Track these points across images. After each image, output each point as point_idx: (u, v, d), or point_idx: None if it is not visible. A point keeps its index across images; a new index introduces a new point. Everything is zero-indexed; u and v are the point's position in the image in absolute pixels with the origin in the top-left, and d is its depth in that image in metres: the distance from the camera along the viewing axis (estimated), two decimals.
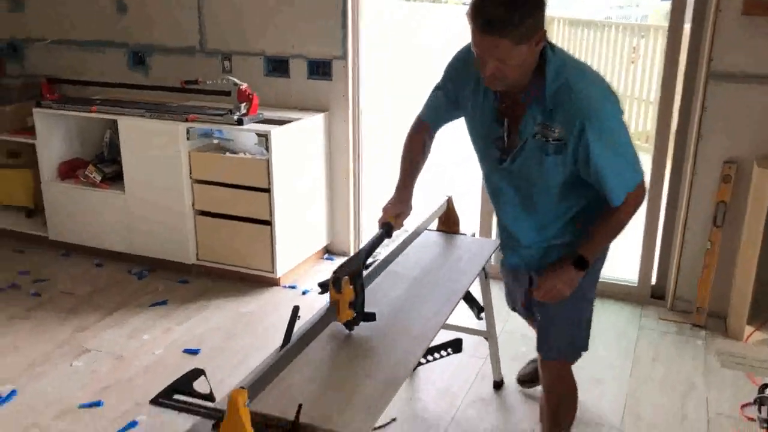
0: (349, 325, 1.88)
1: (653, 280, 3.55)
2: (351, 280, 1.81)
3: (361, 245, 4.04)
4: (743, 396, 2.73)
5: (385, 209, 2.12)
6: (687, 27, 3.23)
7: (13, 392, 2.75)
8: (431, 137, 2.19)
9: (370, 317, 1.89)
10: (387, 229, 2.08)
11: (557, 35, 7.42)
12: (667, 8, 3.30)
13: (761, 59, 3.03)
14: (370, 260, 2.11)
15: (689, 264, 3.37)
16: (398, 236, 2.61)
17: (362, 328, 1.90)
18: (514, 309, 2.40)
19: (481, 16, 1.60)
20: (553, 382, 2.19)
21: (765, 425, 1.83)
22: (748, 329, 3.06)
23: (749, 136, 3.13)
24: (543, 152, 1.81)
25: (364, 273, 1.93)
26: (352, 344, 1.82)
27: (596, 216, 1.92)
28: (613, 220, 1.88)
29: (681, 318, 3.38)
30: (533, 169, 1.86)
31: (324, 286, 2.13)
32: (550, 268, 1.95)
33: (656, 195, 3.41)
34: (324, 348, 1.79)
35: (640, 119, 6.84)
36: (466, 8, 1.64)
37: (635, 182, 1.84)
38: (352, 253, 4.06)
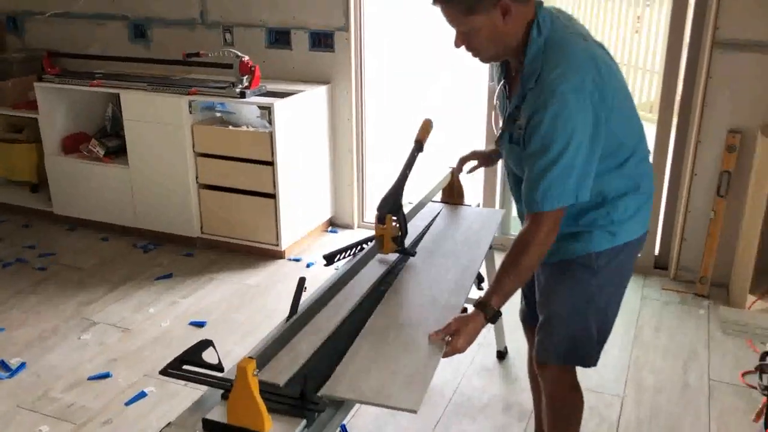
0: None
1: (656, 251, 3.56)
2: (393, 215, 1.98)
3: (366, 218, 4.10)
4: (744, 364, 2.76)
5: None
6: None
7: (22, 365, 2.79)
8: None
9: (410, 253, 2.10)
10: (418, 146, 2.16)
11: (560, 4, 7.33)
12: None
13: (766, 28, 3.00)
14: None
15: (693, 234, 3.38)
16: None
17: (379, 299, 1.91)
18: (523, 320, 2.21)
19: None
20: (551, 388, 1.96)
21: (766, 392, 1.85)
22: (750, 298, 3.07)
23: (754, 105, 3.12)
24: (510, 140, 1.71)
25: None
26: (370, 313, 1.83)
27: (595, 208, 1.74)
28: (520, 255, 1.63)
29: (684, 288, 3.40)
30: (509, 158, 1.78)
31: (329, 259, 2.15)
32: (459, 319, 1.66)
33: (660, 165, 3.40)
34: (331, 320, 1.80)
35: (644, 89, 6.80)
36: None
37: (551, 204, 1.60)
38: (356, 226, 4.09)
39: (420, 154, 2.19)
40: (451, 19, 1.62)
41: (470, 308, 1.70)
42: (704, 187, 3.29)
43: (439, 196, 2.70)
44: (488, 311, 1.64)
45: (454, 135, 5.88)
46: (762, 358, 1.94)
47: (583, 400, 2.00)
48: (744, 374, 2.70)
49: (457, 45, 1.66)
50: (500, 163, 3.71)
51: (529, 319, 2.14)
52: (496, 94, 1.86)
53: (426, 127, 2.25)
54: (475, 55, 1.68)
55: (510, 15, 1.59)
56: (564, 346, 1.86)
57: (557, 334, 1.86)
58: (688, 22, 3.23)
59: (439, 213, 2.57)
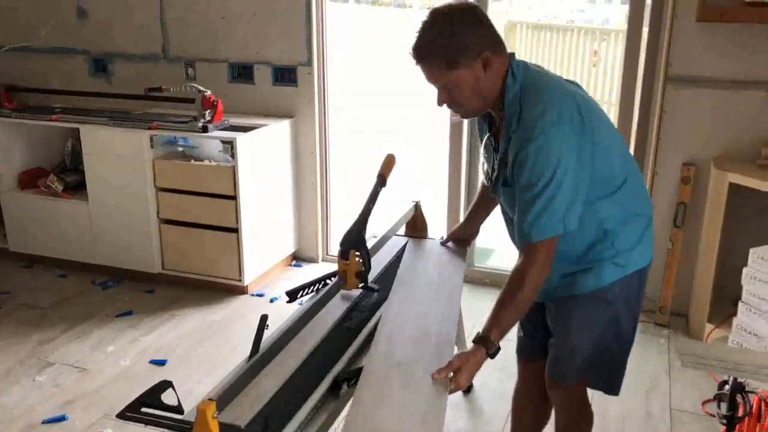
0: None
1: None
2: (357, 250, 1.94)
3: (330, 252, 4.09)
4: (704, 393, 2.79)
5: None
6: (646, 31, 3.30)
7: None
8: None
9: (374, 288, 2.06)
10: (380, 180, 2.15)
11: (519, 40, 7.50)
12: (627, 12, 3.37)
13: (716, 64, 3.11)
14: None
15: (652, 264, 3.42)
16: (367, 241, 2.62)
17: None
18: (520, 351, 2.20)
19: (412, 44, 1.67)
20: (568, 403, 2.04)
21: (723, 421, 1.87)
22: (708, 327, 3.13)
23: (706, 138, 3.21)
24: (504, 181, 1.77)
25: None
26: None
27: (590, 243, 1.79)
28: (517, 289, 1.66)
29: (645, 317, 3.44)
30: (503, 196, 1.84)
31: (291, 295, 2.14)
32: (460, 356, 1.66)
33: None
34: (294, 358, 1.78)
35: None
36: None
37: (540, 234, 1.64)
38: (320, 260, 4.07)
39: (383, 188, 2.20)
40: (434, 75, 1.67)
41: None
42: (662, 218, 3.36)
43: (402, 230, 2.71)
44: (489, 346, 1.64)
45: (418, 167, 5.95)
46: (720, 387, 1.97)
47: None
48: (704, 403, 2.74)
49: (440, 103, 1.72)
50: (463, 195, 3.77)
51: (526, 350, 2.15)
52: (482, 147, 1.92)
53: (389, 162, 2.27)
54: (457, 110, 1.75)
55: (490, 67, 1.66)
56: (586, 369, 1.91)
57: (580, 362, 1.90)
58: (641, 57, 3.33)
59: (403, 247, 2.57)
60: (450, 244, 2.51)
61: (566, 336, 1.90)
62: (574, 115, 1.65)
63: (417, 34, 1.66)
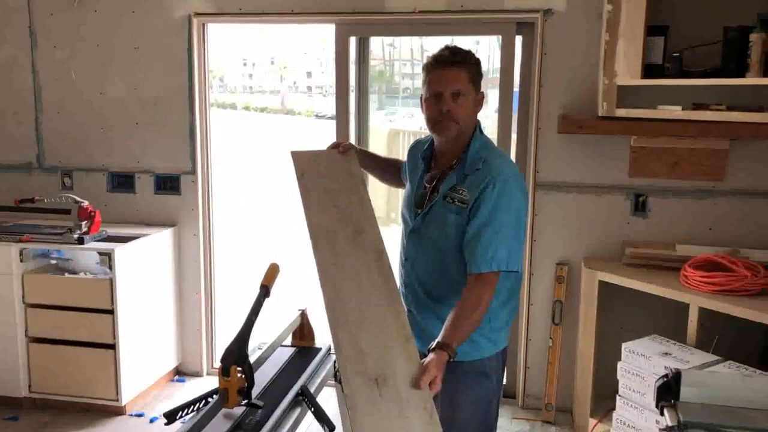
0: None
1: (504, 379, 3.67)
2: (239, 366, 1.88)
3: (216, 364, 3.93)
4: None
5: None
6: (515, 137, 3.54)
7: None
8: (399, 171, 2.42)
9: (258, 405, 1.97)
10: (264, 291, 2.12)
11: (402, 145, 7.80)
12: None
13: (579, 170, 3.37)
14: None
15: (535, 361, 3.54)
16: (252, 353, 2.54)
17: None
18: None
19: (448, 51, 1.99)
20: None
21: None
22: (592, 422, 3.22)
23: (576, 239, 3.42)
24: (447, 211, 2.00)
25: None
26: None
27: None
28: (476, 307, 1.87)
29: (532, 415, 3.50)
30: (438, 228, 2.02)
31: (170, 417, 2.02)
32: (433, 363, 1.77)
33: None
34: None
35: None
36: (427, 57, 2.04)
37: (498, 266, 1.90)
38: (205, 374, 3.90)
39: (267, 299, 2.17)
40: (455, 79, 1.96)
41: None
42: (541, 316, 3.50)
43: (289, 340, 2.66)
44: (451, 352, 1.79)
45: (304, 273, 5.91)
46: None
47: None
48: None
49: (446, 106, 1.97)
50: None
51: None
52: (416, 184, 2.15)
53: (272, 272, 2.25)
54: (451, 120, 1.98)
55: (477, 108, 2.03)
56: None
57: None
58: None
59: (290, 357, 2.52)
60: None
61: (453, 412, 2.02)
62: (523, 182, 2.04)
63: (450, 47, 1.99)
